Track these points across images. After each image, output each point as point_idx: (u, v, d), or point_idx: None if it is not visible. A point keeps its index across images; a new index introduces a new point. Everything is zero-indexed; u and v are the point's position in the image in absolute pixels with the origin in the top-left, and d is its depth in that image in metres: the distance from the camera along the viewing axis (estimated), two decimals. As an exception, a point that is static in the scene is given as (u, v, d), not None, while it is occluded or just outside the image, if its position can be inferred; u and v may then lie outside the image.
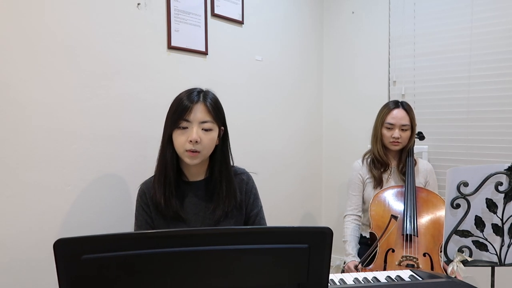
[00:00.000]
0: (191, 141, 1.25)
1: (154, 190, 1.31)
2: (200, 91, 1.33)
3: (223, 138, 1.37)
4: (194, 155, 1.27)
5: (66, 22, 1.48)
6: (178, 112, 1.27)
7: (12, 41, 1.35)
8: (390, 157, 2.00)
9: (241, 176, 1.41)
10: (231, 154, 1.40)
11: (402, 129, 1.92)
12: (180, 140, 1.27)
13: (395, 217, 1.54)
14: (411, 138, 1.95)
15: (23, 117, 1.38)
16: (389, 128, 1.94)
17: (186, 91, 1.33)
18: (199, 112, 1.27)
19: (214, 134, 1.31)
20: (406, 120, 1.92)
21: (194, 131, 1.25)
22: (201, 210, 1.35)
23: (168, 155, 1.30)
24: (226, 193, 1.33)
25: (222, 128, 1.35)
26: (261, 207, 1.45)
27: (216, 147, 1.35)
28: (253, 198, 1.42)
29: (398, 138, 1.91)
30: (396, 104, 1.97)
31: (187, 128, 1.27)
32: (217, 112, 1.32)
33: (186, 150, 1.26)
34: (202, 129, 1.27)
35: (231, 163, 1.40)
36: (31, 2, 1.39)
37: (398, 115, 1.93)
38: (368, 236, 1.92)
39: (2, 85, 1.33)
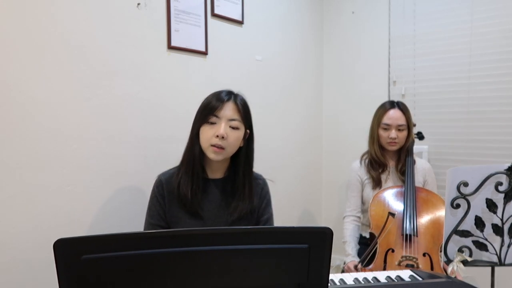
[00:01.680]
0: (217, 136, 1.27)
1: (178, 183, 1.32)
2: (230, 92, 1.36)
3: (248, 141, 1.38)
4: (219, 151, 1.29)
5: (66, 22, 1.48)
6: (209, 108, 1.31)
7: (12, 41, 1.35)
8: (388, 157, 2.00)
9: (258, 181, 1.44)
10: (253, 159, 1.41)
11: (399, 129, 1.92)
12: (207, 135, 1.29)
13: (392, 214, 1.54)
14: (408, 138, 1.95)
15: (23, 117, 1.38)
16: (385, 129, 1.93)
17: (216, 91, 1.36)
18: (228, 110, 1.30)
19: (240, 133, 1.33)
20: (402, 120, 1.92)
21: (222, 127, 1.28)
22: (216, 208, 1.36)
23: (197, 150, 1.33)
24: (248, 196, 1.36)
25: (248, 131, 1.37)
26: (272, 214, 1.46)
27: (241, 148, 1.36)
28: (266, 203, 1.44)
29: (395, 139, 1.91)
30: (392, 104, 1.97)
31: (215, 123, 1.30)
32: (246, 113, 1.35)
33: (212, 145, 1.28)
34: (230, 126, 1.30)
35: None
36: (31, 3, 1.39)
37: (394, 115, 1.92)
38: (368, 236, 1.92)
39: (2, 85, 1.33)
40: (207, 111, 1.30)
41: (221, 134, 1.27)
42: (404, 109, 1.95)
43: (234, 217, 1.34)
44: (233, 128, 1.30)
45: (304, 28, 2.74)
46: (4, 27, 1.33)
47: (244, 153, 1.37)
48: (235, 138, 1.31)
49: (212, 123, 1.30)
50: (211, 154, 1.30)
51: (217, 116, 1.29)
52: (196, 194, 1.32)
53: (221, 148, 1.28)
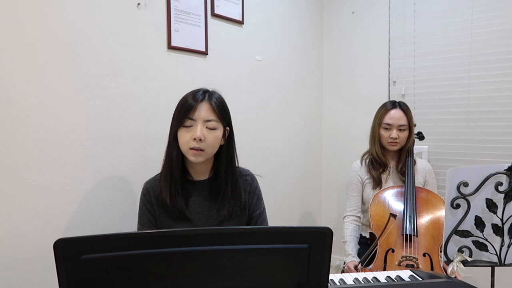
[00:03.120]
0: (195, 139, 1.26)
1: (160, 189, 1.32)
2: (205, 91, 1.34)
3: (229, 138, 1.37)
4: (198, 153, 1.28)
5: (66, 22, 1.48)
6: (183, 111, 1.29)
7: (12, 41, 1.35)
8: (389, 157, 2.00)
9: (246, 177, 1.42)
10: (236, 155, 1.40)
11: (400, 129, 1.92)
12: (185, 138, 1.28)
13: (394, 216, 1.54)
14: (409, 138, 1.95)
15: (23, 117, 1.38)
16: (386, 129, 1.93)
17: (191, 91, 1.34)
18: (203, 111, 1.28)
19: (219, 133, 1.31)
20: (403, 120, 1.92)
21: (198, 129, 1.26)
22: (205, 209, 1.35)
23: (174, 153, 1.31)
24: (232, 194, 1.34)
25: (228, 128, 1.36)
26: (264, 209, 1.46)
27: (222, 147, 1.35)
28: (256, 199, 1.43)
29: (396, 139, 1.91)
30: (394, 104, 1.97)
31: (192, 126, 1.28)
32: (222, 111, 1.32)
33: (190, 148, 1.27)
34: (207, 127, 1.28)
35: (236, 164, 1.40)
36: (32, 2, 1.39)
37: (395, 115, 1.92)
38: (368, 236, 1.92)
39: (2, 85, 1.33)
40: (182, 114, 1.29)
41: (198, 137, 1.25)
42: (405, 109, 1.95)
43: (221, 217, 1.33)
44: (210, 128, 1.29)
45: (304, 28, 2.74)
46: (3, 26, 1.33)
47: (225, 151, 1.36)
48: (213, 139, 1.29)
49: (189, 126, 1.28)
50: (191, 157, 1.29)
51: (192, 119, 1.27)
52: (176, 199, 1.30)
53: (200, 150, 1.27)
